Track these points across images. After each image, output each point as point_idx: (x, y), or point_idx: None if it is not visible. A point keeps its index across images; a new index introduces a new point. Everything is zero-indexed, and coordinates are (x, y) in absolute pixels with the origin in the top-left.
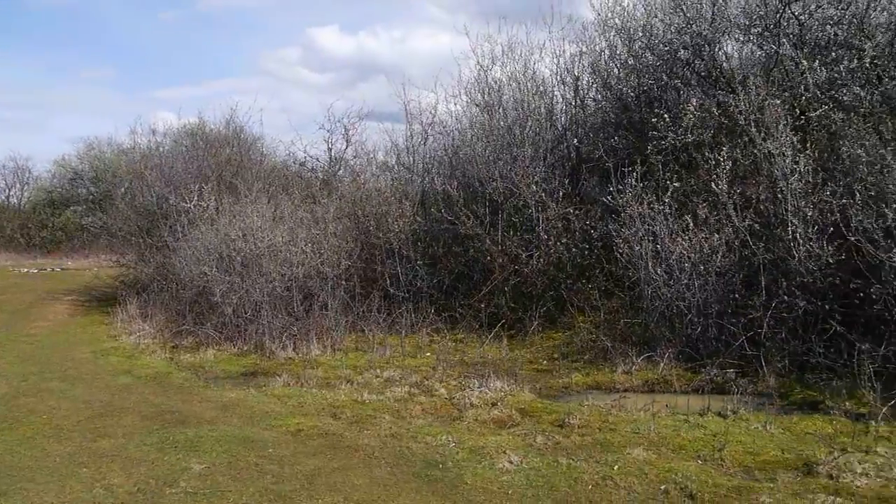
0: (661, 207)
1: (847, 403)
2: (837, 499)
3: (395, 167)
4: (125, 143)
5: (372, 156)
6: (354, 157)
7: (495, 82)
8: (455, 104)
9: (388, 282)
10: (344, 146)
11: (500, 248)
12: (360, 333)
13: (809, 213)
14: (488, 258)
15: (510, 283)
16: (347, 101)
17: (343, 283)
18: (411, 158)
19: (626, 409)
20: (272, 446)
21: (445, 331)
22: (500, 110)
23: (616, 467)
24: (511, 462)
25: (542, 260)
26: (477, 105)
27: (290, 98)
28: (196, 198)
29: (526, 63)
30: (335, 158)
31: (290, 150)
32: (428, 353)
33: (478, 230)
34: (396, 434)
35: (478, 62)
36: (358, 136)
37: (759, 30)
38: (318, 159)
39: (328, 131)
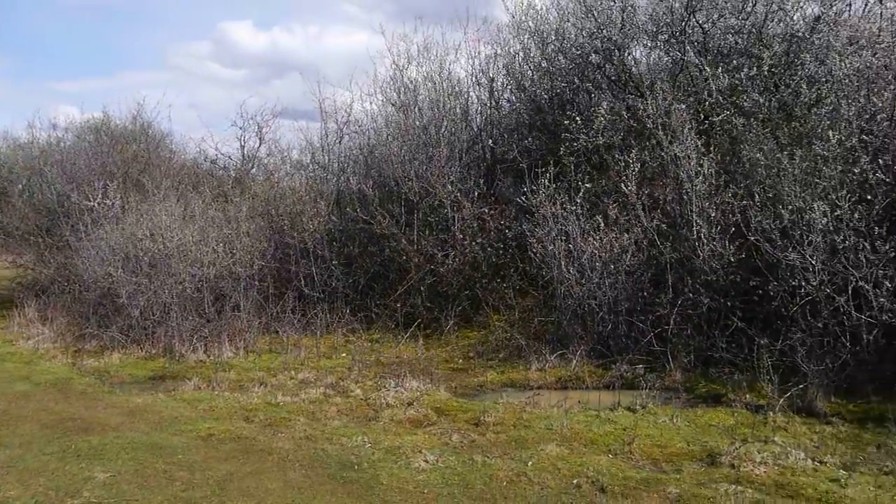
0: (574, 208)
1: (747, 396)
2: (739, 487)
3: (310, 166)
4: (22, 138)
5: (286, 154)
6: (268, 156)
7: (411, 82)
8: (371, 103)
9: (303, 282)
10: (257, 144)
11: (415, 247)
12: (274, 335)
13: (713, 214)
14: (404, 258)
15: (426, 282)
16: (261, 98)
17: (256, 283)
18: (326, 157)
19: (539, 405)
20: (182, 452)
21: (361, 331)
22: (416, 110)
23: (530, 463)
24: (427, 461)
25: (457, 259)
26: (393, 104)
27: (201, 94)
28: (100, 196)
29: (441, 63)
30: (248, 156)
31: (200, 148)
32: (343, 354)
33: (393, 230)
34: (311, 436)
35: (394, 62)
36: (272, 134)
37: (666, 37)
38: (230, 157)
39: (241, 129)
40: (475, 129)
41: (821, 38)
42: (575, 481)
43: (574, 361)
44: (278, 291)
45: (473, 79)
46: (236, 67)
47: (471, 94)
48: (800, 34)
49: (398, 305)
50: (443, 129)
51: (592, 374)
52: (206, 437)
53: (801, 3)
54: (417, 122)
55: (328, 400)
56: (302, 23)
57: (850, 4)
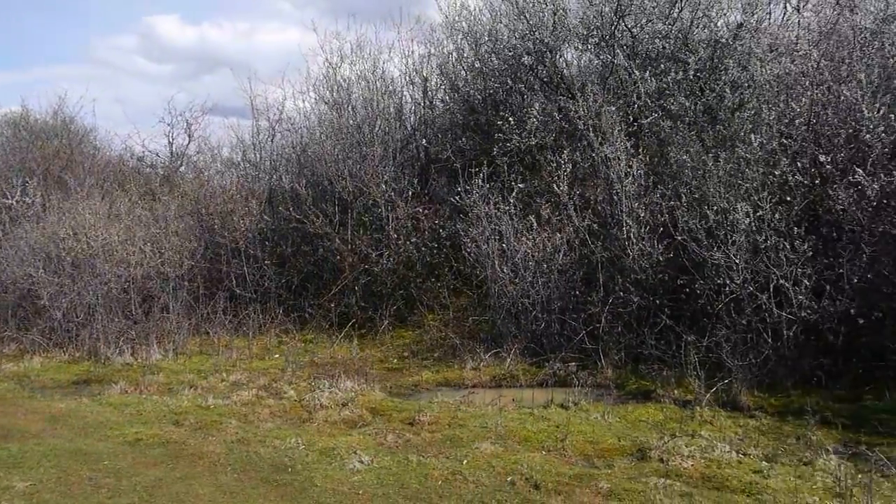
0: (507, 207)
1: (675, 391)
2: (668, 480)
3: (242, 164)
4: None
5: (216, 152)
6: (198, 153)
7: (344, 80)
8: (303, 101)
9: (235, 282)
10: (186, 141)
11: (349, 247)
12: (205, 336)
13: (642, 214)
14: (338, 257)
15: (360, 282)
16: (190, 93)
17: (186, 283)
18: (258, 155)
19: (474, 404)
20: (108, 458)
21: (295, 331)
22: (350, 108)
23: (465, 462)
24: (362, 462)
25: (391, 259)
26: (326, 103)
27: (127, 88)
28: (19, 193)
29: (375, 62)
30: (177, 154)
31: (126, 144)
32: (277, 355)
33: (327, 229)
34: (243, 439)
35: (326, 59)
36: (201, 131)
37: (596, 40)
38: (157, 154)
39: (169, 125)
40: (409, 129)
41: (743, 44)
42: (509, 478)
43: (508, 360)
44: (209, 292)
45: (407, 78)
46: (164, 62)
47: (404, 93)
48: (723, 40)
49: (332, 305)
50: (376, 129)
51: (526, 373)
52: (133, 442)
53: (725, 11)
54: (351, 121)
55: (261, 402)
56: (232, 18)
57: (770, 13)
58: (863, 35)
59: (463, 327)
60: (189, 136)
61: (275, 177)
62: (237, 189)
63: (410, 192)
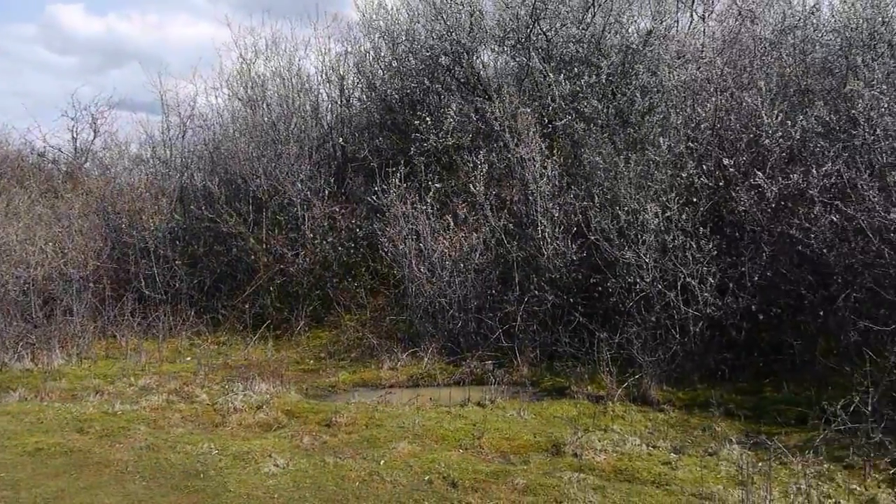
0: (424, 207)
1: (589, 387)
2: (581, 474)
3: (151, 161)
4: None
5: (124, 148)
6: (104, 149)
7: (259, 77)
8: (216, 97)
9: (144, 283)
10: (91, 137)
11: (264, 246)
12: (112, 340)
13: (556, 214)
14: (252, 257)
15: (275, 282)
16: (96, 87)
17: (91, 285)
18: (168, 152)
19: (391, 404)
20: (5, 469)
21: (207, 333)
22: (264, 106)
23: (382, 462)
24: (277, 465)
25: (307, 259)
26: (240, 99)
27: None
28: None
29: (291, 59)
30: (81, 150)
31: (26, 139)
32: (188, 358)
33: (241, 228)
34: (153, 445)
35: (240, 55)
36: (108, 126)
37: (513, 42)
38: (60, 150)
39: (73, 119)
40: (325, 127)
41: (652, 50)
42: (427, 478)
43: (425, 359)
44: (116, 293)
45: (324, 76)
46: (67, 54)
47: (321, 91)
48: (634, 46)
49: (246, 306)
50: (292, 126)
51: (443, 372)
52: (33, 451)
53: (636, 18)
54: (266, 119)
55: (171, 406)
56: (141, 10)
57: (678, 21)
58: (762, 45)
59: (380, 327)
60: (94, 131)
61: (186, 174)
62: (146, 187)
63: (327, 191)
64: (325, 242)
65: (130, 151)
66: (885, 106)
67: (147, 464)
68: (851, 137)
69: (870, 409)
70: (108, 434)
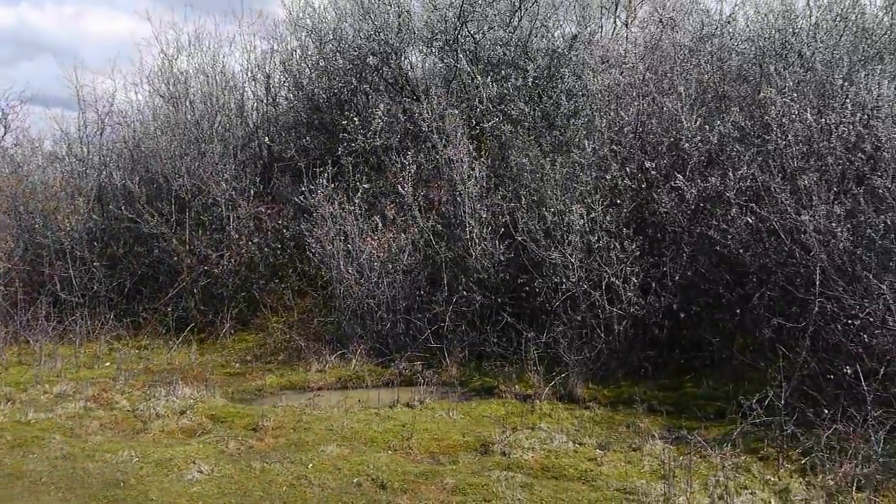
0: (352, 208)
1: (517, 387)
2: (510, 473)
3: (67, 159)
4: None
5: (38, 145)
6: (15, 146)
7: (181, 73)
8: (136, 93)
9: (59, 286)
10: (2, 132)
11: (187, 247)
12: (25, 345)
13: (484, 215)
14: (175, 259)
15: (199, 284)
16: (6, 80)
17: (1, 288)
18: (86, 150)
19: (320, 407)
20: None
21: (128, 338)
22: (187, 103)
23: (310, 466)
24: (201, 472)
25: (233, 260)
26: (161, 96)
27: None
28: None
29: (215, 56)
30: None
31: None
32: (107, 363)
33: (163, 229)
34: (69, 455)
35: (162, 50)
36: (20, 122)
37: (441, 44)
38: None
39: None
40: (251, 126)
41: (577, 55)
42: (356, 480)
43: (354, 361)
44: (29, 297)
45: (249, 74)
46: None
47: (246, 89)
48: (560, 51)
49: (169, 309)
50: (216, 125)
51: (372, 373)
52: None
53: (561, 22)
54: (189, 116)
55: (89, 414)
56: (56, 1)
57: (602, 27)
58: (682, 52)
59: (308, 329)
60: (5, 126)
61: (105, 173)
62: (62, 185)
63: (252, 191)
64: (251, 243)
65: (44, 148)
66: (796, 113)
67: (63, 474)
68: (765, 142)
69: (783, 402)
70: (20, 444)
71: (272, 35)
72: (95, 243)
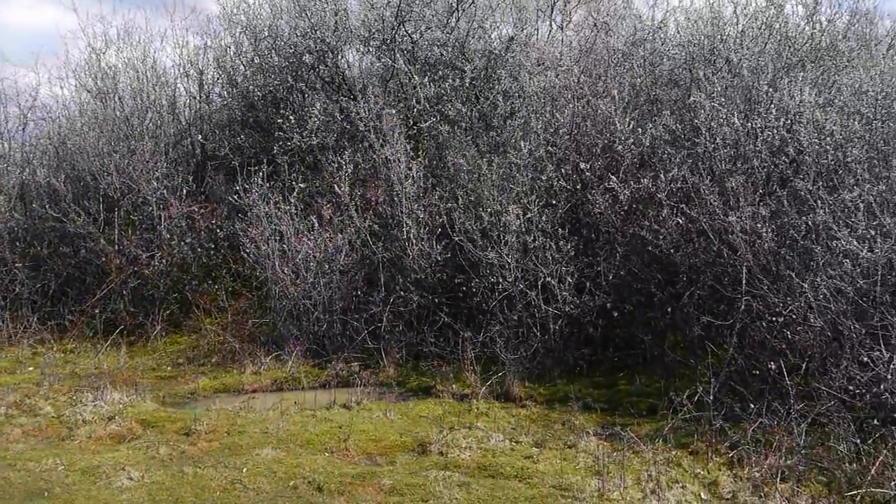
0: (288, 207)
1: (454, 386)
2: (447, 472)
3: None
4: None
5: None
6: None
7: (110, 68)
8: (62, 88)
9: None
10: None
11: (116, 248)
12: None
13: (421, 215)
14: (103, 259)
15: (129, 285)
16: None
17: None
18: (7, 146)
19: (255, 409)
20: None
21: (52, 341)
22: (116, 99)
23: (245, 470)
24: (131, 478)
25: (164, 260)
26: (88, 91)
27: None
28: None
29: (145, 50)
30: None
31: None
32: (31, 368)
33: (90, 229)
34: None
35: (89, 44)
36: None
37: (378, 43)
38: None
39: None
40: (184, 123)
41: (514, 57)
42: (291, 483)
43: (290, 363)
44: None
45: (181, 70)
46: None
47: (178, 85)
48: (496, 52)
49: (97, 311)
50: (147, 122)
51: (308, 375)
52: None
53: (498, 24)
54: (118, 112)
55: (11, 421)
56: None
57: (538, 29)
58: (615, 56)
59: (242, 330)
60: None
61: (27, 170)
62: None
63: (185, 190)
64: (183, 243)
65: None
66: (724, 117)
67: None
68: (695, 145)
69: (711, 398)
70: None
71: (205, 31)
72: (17, 243)
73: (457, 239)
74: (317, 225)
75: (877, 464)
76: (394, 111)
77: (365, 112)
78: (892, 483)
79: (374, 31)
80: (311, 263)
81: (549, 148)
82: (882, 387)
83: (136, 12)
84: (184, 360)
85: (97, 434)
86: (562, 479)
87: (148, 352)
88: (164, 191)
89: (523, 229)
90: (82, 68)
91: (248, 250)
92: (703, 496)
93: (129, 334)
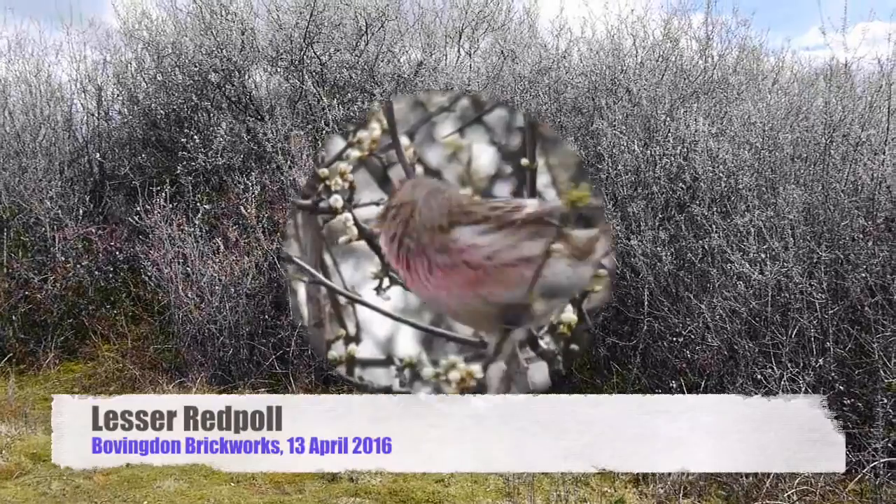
0: (192, 229)
1: None
2: (357, 499)
3: None
4: None
5: None
6: None
7: None
8: None
9: None
10: None
11: (5, 271)
12: None
13: None
14: None
15: (19, 310)
16: None
17: None
18: None
19: None
20: None
21: None
22: (6, 114)
23: (145, 503)
24: None
25: (58, 284)
26: None
27: None
28: None
29: (39, 64)
30: None
31: None
32: None
33: None
34: None
35: None
36: None
37: (286, 64)
38: None
39: None
40: (81, 141)
41: (423, 81)
42: None
43: (194, 390)
44: None
45: (78, 85)
46: None
47: (75, 101)
48: (406, 76)
49: None
50: (40, 138)
51: None
52: None
53: (407, 49)
54: (8, 128)
55: None
56: None
57: (446, 55)
58: (522, 83)
59: (143, 357)
60: None
61: None
62: None
63: (82, 211)
64: (79, 266)
65: None
66: (625, 144)
67: None
68: (598, 171)
69: None
70: None
71: (104, 45)
72: None
73: None
74: (223, 247)
75: (771, 476)
76: (302, 133)
77: (273, 133)
78: (786, 495)
79: (282, 51)
80: (217, 287)
81: None
82: None
83: (30, 24)
84: (79, 388)
85: None
86: (473, 502)
87: (39, 381)
88: (59, 211)
89: None
90: None
91: (149, 273)
92: None
93: (18, 362)
